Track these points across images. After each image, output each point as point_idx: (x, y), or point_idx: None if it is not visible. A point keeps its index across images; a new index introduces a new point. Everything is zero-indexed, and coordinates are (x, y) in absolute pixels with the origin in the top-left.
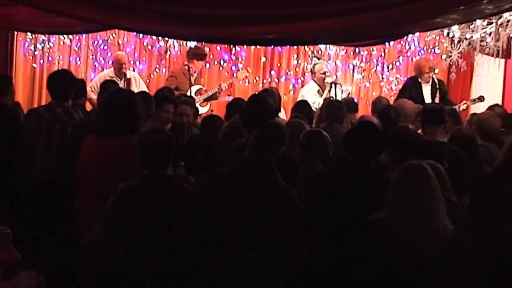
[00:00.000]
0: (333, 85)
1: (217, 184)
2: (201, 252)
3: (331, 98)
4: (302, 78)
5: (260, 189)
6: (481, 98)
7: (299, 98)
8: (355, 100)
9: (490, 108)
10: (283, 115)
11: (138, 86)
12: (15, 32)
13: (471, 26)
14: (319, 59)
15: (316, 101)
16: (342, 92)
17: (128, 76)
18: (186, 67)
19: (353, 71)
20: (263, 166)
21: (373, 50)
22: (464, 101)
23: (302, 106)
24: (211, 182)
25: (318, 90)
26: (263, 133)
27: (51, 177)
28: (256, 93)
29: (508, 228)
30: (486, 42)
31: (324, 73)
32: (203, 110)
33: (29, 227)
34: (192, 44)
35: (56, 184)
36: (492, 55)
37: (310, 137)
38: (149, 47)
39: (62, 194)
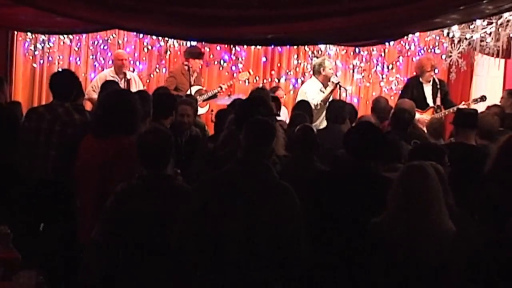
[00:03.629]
0: (338, 85)
1: (215, 184)
2: (200, 252)
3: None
4: (302, 78)
5: (257, 189)
6: (483, 98)
7: (300, 95)
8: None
9: (489, 108)
10: (285, 114)
11: (138, 87)
12: (15, 32)
13: (471, 26)
14: (318, 58)
15: (315, 98)
16: (346, 92)
17: (128, 77)
18: (186, 67)
19: (353, 71)
20: (258, 165)
21: (373, 50)
22: (463, 102)
23: (302, 105)
24: (209, 183)
25: (321, 88)
26: (251, 130)
27: (50, 177)
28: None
29: (492, 233)
30: (486, 42)
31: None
32: (202, 110)
33: (29, 227)
34: (190, 43)
35: (55, 183)
36: (492, 55)
37: (305, 133)
38: (149, 47)
39: (61, 193)
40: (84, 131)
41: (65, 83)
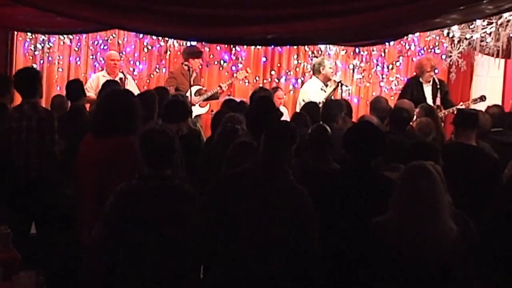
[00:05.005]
0: (339, 84)
1: (232, 184)
2: (214, 251)
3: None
4: (302, 78)
5: (273, 190)
6: (482, 98)
7: (301, 95)
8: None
9: (489, 108)
10: (286, 114)
11: (132, 87)
12: (15, 32)
13: (471, 26)
14: (317, 58)
15: (316, 97)
16: (348, 90)
17: (122, 76)
18: (186, 67)
19: (353, 71)
20: (276, 168)
21: (373, 50)
22: (462, 102)
23: (307, 106)
24: (225, 182)
25: (322, 87)
26: (274, 134)
27: (28, 174)
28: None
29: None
30: (486, 42)
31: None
32: (203, 110)
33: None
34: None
35: (34, 180)
36: (492, 55)
37: (319, 133)
38: (149, 47)
39: (40, 189)
40: (48, 122)
41: (26, 81)
